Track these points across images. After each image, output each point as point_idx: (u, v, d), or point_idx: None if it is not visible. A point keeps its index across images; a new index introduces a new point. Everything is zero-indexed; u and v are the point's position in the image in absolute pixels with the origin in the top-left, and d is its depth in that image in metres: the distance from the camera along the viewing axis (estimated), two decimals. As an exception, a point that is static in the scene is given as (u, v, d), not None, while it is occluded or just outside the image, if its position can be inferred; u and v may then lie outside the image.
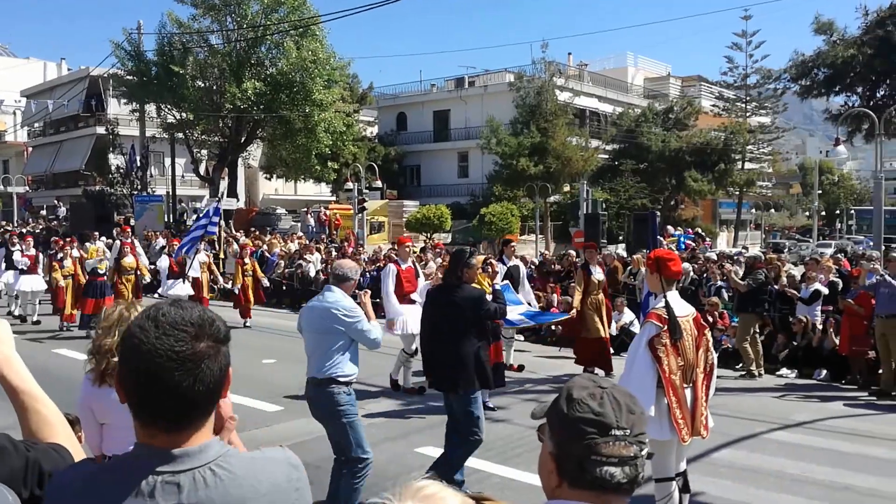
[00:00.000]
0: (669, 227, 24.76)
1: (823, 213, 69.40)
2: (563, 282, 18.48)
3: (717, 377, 10.56)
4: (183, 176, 40.77)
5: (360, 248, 26.13)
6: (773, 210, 65.52)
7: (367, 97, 47.75)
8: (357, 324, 5.85)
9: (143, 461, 1.61)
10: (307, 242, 25.42)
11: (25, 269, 17.28)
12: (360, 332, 5.87)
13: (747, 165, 49.30)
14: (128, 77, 33.24)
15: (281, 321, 17.63)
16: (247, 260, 18.25)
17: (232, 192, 35.67)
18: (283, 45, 31.73)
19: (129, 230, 26.07)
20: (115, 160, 36.97)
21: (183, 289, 16.19)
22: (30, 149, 52.85)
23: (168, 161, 37.73)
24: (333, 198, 44.12)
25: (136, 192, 33.50)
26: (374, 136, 49.77)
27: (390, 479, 6.51)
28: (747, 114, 50.59)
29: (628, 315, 14.92)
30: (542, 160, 38.45)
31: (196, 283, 17.20)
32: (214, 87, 33.26)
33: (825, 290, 13.26)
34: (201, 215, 18.54)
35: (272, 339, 15.38)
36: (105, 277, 15.83)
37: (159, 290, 16.67)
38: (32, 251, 17.76)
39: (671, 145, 43.56)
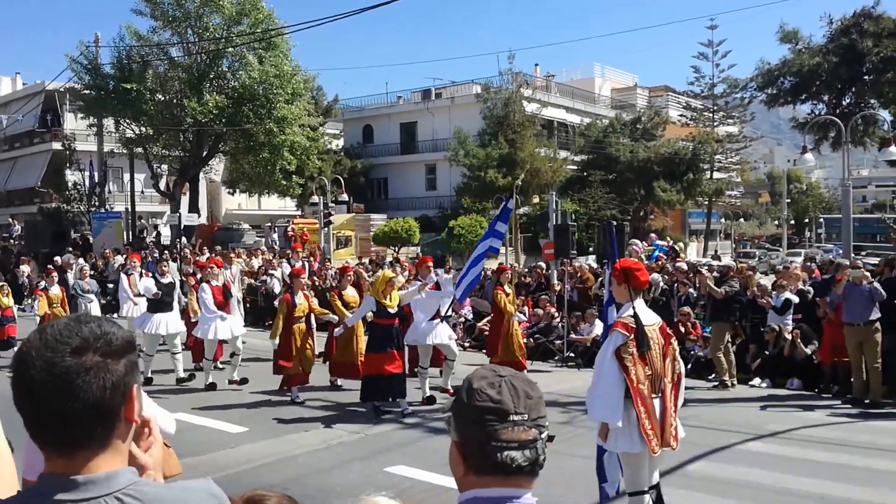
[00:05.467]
0: (653, 234, 24.55)
1: (793, 221, 70.08)
2: (535, 294, 18.17)
3: (690, 388, 10.36)
4: (143, 192, 39.87)
5: (327, 263, 25.54)
6: (742, 219, 65.94)
7: (333, 110, 47.30)
8: None
9: (44, 491, 1.49)
10: (270, 258, 24.45)
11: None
12: None
13: (716, 175, 49.54)
14: (85, 91, 32.60)
15: (246, 339, 16.94)
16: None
17: (193, 208, 35.03)
18: (245, 59, 31.21)
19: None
20: (72, 176, 36.20)
21: (445, 332, 11.31)
22: (-17, 166, 51.73)
23: (127, 177, 36.89)
24: (299, 212, 43.53)
25: (93, 209, 32.81)
26: (339, 149, 49.26)
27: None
28: (715, 123, 50.82)
29: (600, 327, 14.59)
30: (511, 171, 38.26)
31: None
32: (175, 101, 32.66)
33: (796, 299, 13.10)
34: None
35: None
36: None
37: None
38: (170, 278, 13.43)
39: (639, 156, 43.63)
